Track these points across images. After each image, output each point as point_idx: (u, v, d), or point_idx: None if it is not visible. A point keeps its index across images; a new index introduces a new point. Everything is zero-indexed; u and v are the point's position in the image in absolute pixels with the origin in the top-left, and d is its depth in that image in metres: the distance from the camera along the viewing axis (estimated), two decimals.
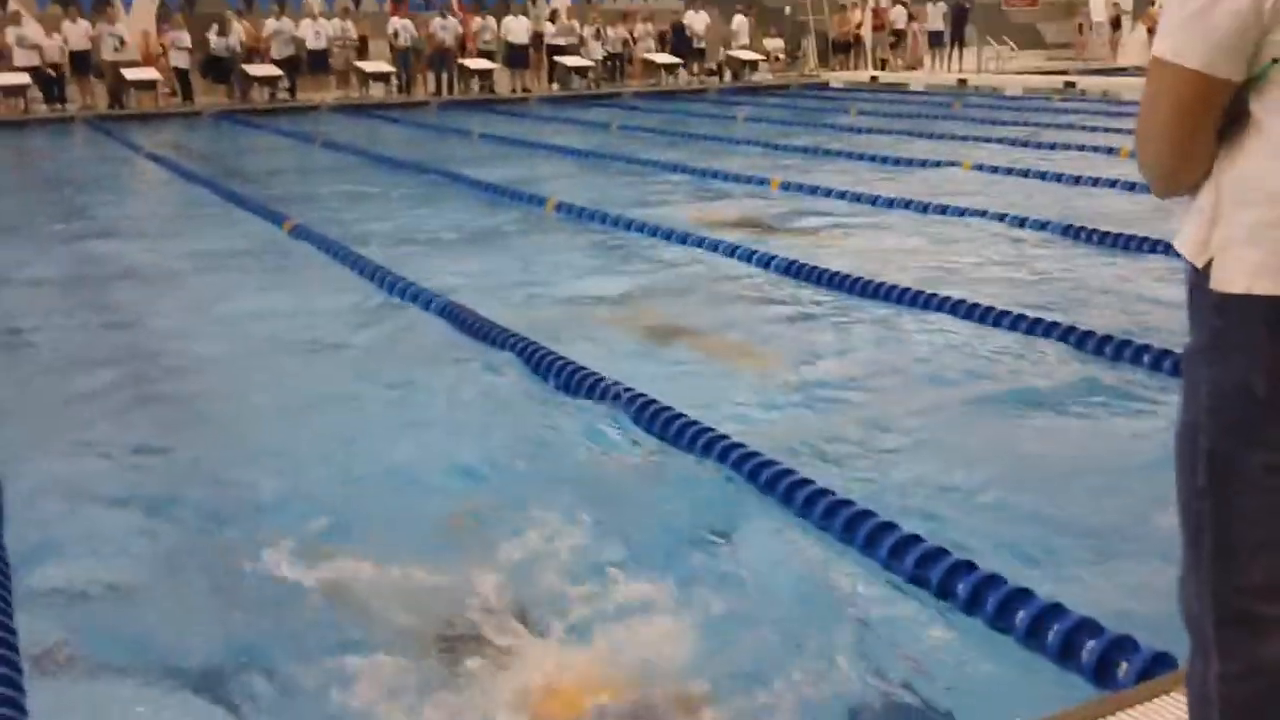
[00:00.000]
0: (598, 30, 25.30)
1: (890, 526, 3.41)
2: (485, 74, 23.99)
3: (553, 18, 24.90)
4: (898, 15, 27.54)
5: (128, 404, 5.08)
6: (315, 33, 22.58)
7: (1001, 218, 8.67)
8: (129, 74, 21.35)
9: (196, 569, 3.48)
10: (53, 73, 20.65)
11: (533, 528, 3.53)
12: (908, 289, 6.39)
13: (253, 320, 6.44)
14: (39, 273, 8.01)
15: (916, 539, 3.32)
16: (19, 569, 3.41)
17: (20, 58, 20.41)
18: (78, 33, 20.88)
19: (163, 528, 3.79)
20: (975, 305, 5.99)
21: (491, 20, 24.12)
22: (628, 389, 4.65)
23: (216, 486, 4.11)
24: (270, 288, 7.35)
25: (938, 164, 12.09)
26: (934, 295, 6.23)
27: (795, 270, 7.15)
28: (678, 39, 25.58)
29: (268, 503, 3.91)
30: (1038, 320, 5.67)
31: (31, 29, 20.47)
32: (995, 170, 11.34)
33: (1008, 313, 5.82)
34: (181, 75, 21.82)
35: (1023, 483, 3.96)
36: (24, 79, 20.38)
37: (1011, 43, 29.24)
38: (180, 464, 4.35)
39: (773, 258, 7.43)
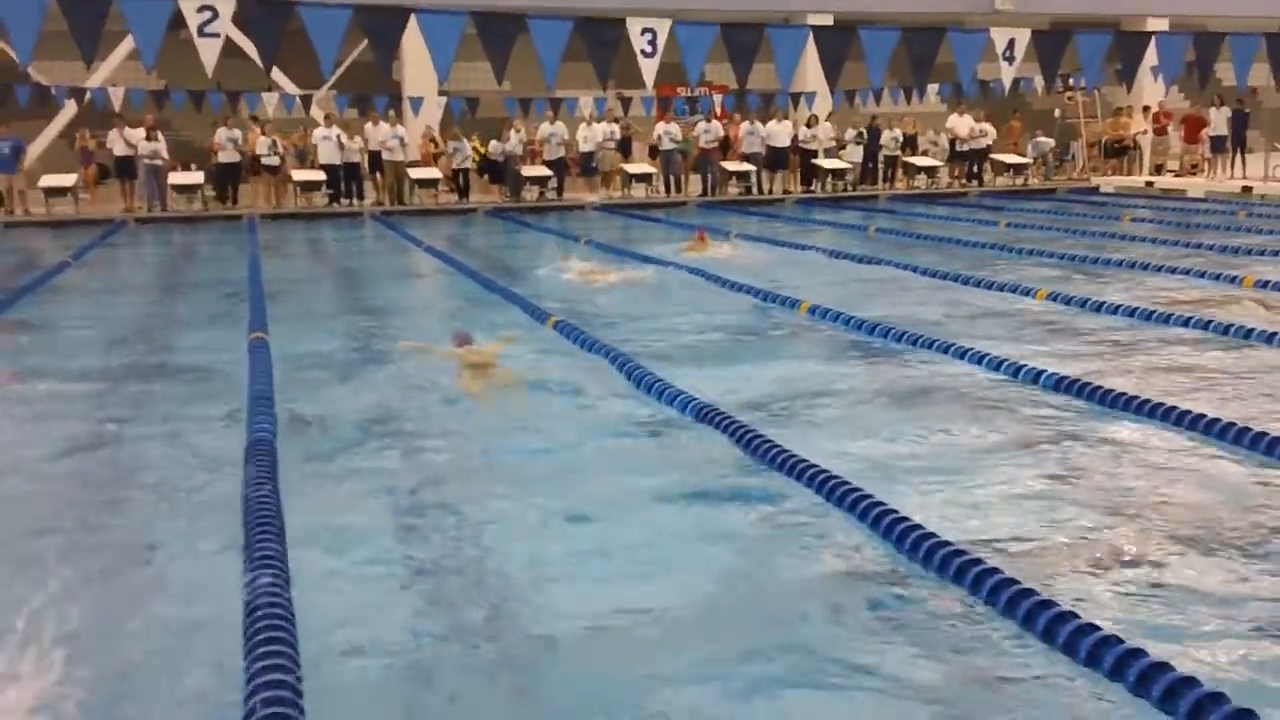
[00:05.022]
0: (858, 134, 25.37)
1: None
2: (744, 175, 24.49)
3: (810, 122, 25.17)
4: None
5: (400, 489, 5.36)
6: (584, 137, 23.71)
7: None
8: (413, 173, 23.03)
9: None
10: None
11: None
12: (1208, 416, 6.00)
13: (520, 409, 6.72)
14: (323, 351, 8.69)
15: None
16: None
17: (325, 154, 22.36)
18: (377, 135, 22.73)
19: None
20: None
21: (759, 125, 24.64)
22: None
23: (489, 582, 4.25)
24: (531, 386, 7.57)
25: (1217, 277, 11.37)
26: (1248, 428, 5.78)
27: (1067, 386, 6.84)
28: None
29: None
30: None
31: (336, 130, 22.45)
32: None
33: None
34: (461, 175, 23.35)
35: None
36: (320, 175, 22.29)
37: None
38: (455, 569, 4.47)
39: (1040, 372, 7.14)
